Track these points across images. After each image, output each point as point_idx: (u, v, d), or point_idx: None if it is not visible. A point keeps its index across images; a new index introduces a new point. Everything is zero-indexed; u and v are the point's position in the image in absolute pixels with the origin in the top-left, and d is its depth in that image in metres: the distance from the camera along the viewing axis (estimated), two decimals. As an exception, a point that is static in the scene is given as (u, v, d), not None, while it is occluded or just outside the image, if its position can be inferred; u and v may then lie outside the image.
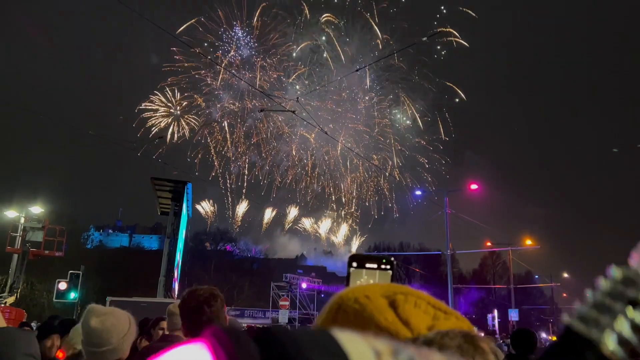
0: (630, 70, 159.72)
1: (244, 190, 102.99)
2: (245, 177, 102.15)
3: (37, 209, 24.46)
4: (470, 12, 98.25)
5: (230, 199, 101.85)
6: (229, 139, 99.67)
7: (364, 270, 1.28)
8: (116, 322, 2.84)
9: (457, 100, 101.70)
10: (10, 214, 24.10)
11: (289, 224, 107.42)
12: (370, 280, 1.27)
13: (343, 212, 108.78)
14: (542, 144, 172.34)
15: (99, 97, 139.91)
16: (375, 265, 1.28)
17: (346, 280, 1.29)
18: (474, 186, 33.92)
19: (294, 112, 24.07)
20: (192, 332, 2.85)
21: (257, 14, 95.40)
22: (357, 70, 71.68)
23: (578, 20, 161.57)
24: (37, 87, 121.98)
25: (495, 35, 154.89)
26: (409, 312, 0.68)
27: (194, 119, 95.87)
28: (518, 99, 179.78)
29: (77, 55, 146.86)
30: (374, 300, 0.71)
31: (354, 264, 1.29)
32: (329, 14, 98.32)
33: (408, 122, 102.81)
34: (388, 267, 1.29)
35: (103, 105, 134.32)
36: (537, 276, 72.34)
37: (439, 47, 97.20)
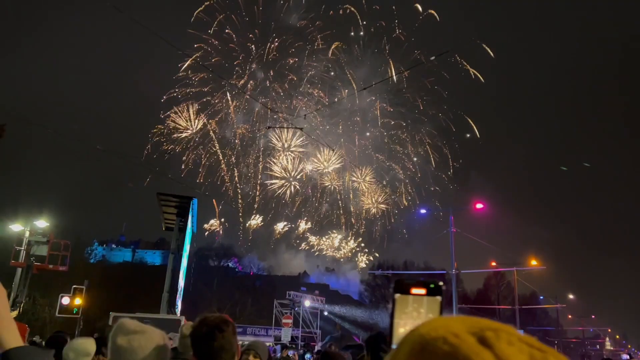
0: None
1: (254, 211, 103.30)
2: (257, 197, 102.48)
3: (42, 223, 24.40)
4: (485, 47, 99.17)
5: (240, 213, 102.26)
6: (241, 159, 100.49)
7: (410, 297, 1.20)
8: (145, 342, 2.57)
9: (468, 135, 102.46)
10: (16, 227, 24.06)
11: (299, 236, 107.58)
12: (420, 309, 1.19)
13: (351, 233, 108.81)
14: (550, 167, 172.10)
15: (107, 112, 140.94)
16: (422, 291, 1.20)
17: (391, 308, 1.21)
18: (479, 205, 33.71)
19: (301, 129, 24.21)
20: (202, 358, 2.78)
21: (270, 40, 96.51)
22: (364, 89, 72.26)
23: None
24: (43, 101, 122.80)
25: (505, 65, 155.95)
26: (506, 353, 0.61)
27: (207, 142, 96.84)
28: (526, 122, 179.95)
29: (85, 70, 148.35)
30: (465, 340, 0.63)
31: (400, 291, 1.21)
32: (340, 42, 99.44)
33: (420, 151, 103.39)
34: (437, 292, 1.21)
35: (112, 121, 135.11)
36: (541, 297, 71.54)
37: (457, 65, 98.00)
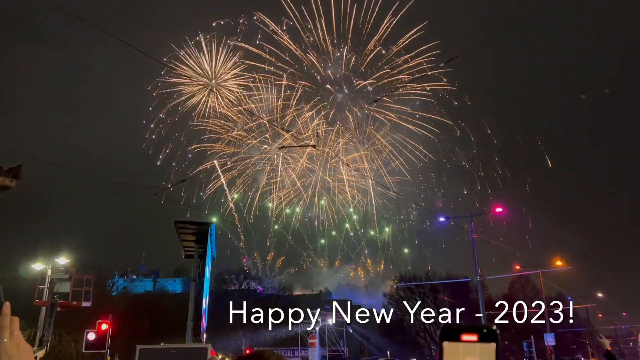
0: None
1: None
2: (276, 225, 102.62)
3: (63, 260, 24.54)
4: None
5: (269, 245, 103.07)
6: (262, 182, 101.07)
7: (460, 345, 1.12)
8: None
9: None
10: (37, 266, 24.20)
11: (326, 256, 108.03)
12: (472, 359, 1.12)
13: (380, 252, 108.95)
14: (574, 161, 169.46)
15: (119, 147, 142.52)
16: (474, 337, 1.12)
17: (439, 358, 1.14)
18: (498, 209, 33.33)
19: (314, 146, 24.31)
20: None
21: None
22: (375, 102, 73.50)
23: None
24: (54, 140, 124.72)
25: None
26: None
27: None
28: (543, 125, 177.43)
29: (97, 104, 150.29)
30: None
31: (448, 337, 1.14)
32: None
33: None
34: (491, 338, 1.13)
35: (124, 154, 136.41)
36: (569, 297, 70.23)
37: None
